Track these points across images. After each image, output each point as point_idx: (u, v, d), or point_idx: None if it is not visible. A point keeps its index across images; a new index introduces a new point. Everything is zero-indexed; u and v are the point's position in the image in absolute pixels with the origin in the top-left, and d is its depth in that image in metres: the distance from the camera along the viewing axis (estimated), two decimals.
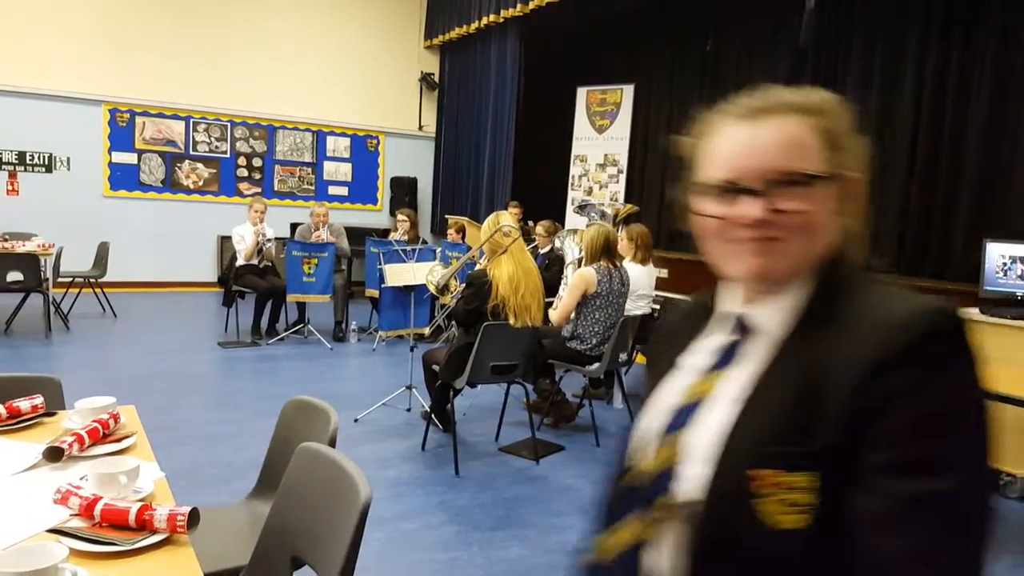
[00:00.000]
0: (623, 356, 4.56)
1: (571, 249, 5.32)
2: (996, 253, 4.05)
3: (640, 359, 5.25)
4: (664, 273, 6.79)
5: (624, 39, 8.47)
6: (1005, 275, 4.02)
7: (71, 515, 1.34)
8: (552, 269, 5.86)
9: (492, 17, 8.39)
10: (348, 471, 1.44)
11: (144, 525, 1.30)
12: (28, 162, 8.17)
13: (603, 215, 5.73)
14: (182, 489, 1.60)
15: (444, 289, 3.97)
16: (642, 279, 4.87)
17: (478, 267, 3.90)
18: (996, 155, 5.02)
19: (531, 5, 7.60)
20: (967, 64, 5.20)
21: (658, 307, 5.09)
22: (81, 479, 1.47)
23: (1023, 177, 4.87)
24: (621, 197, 8.10)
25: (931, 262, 5.35)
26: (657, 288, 5.23)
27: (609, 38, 8.60)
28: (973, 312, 3.94)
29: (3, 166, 8.02)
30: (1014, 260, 3.99)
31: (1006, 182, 4.98)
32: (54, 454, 1.59)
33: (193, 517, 1.31)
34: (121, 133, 8.65)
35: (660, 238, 7.43)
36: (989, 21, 5.05)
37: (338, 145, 10.00)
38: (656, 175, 8.04)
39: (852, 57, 6.02)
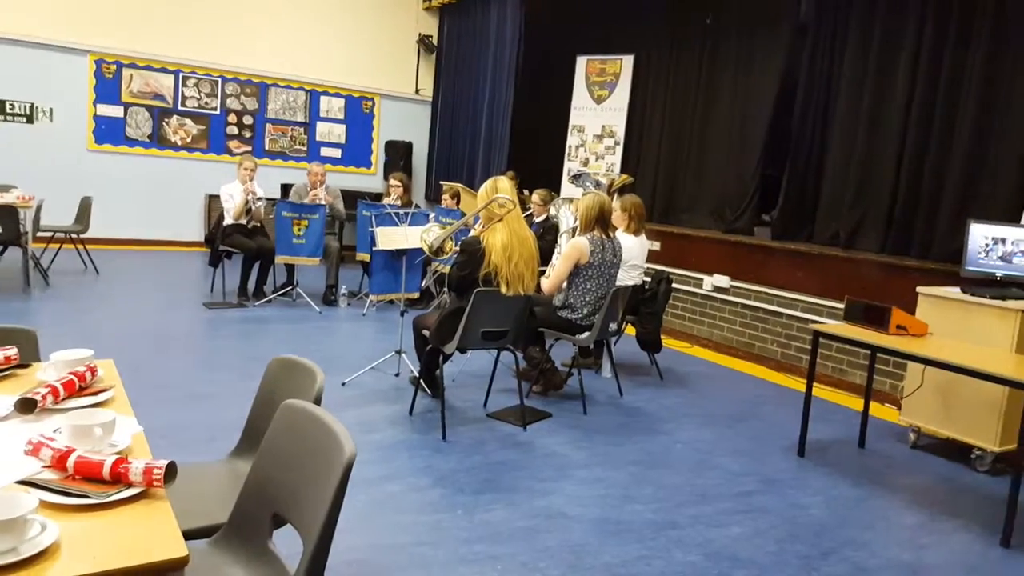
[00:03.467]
0: (613, 326, 4.53)
1: (566, 218, 5.25)
2: (980, 234, 4.06)
3: (630, 330, 5.22)
4: (656, 246, 6.74)
5: (625, 9, 8.29)
6: (987, 255, 4.03)
7: (43, 467, 1.29)
8: (547, 238, 5.79)
9: None
10: (332, 428, 1.40)
11: (119, 478, 1.25)
12: (8, 111, 7.95)
13: (597, 185, 5.65)
14: (163, 449, 1.55)
15: (439, 251, 3.89)
16: (634, 250, 4.82)
17: (472, 233, 3.83)
18: (985, 138, 5.02)
19: None
20: (961, 45, 5.15)
21: (649, 279, 5.05)
22: (54, 431, 1.42)
23: (1009, 160, 4.87)
24: (617, 169, 8.01)
25: (917, 242, 5.38)
26: (648, 261, 5.19)
27: (610, 7, 8.41)
28: (954, 291, 3.94)
29: None
30: (996, 241, 4.00)
31: (993, 165, 4.98)
32: (26, 405, 1.53)
33: (170, 471, 1.27)
34: (107, 85, 8.43)
35: (654, 211, 7.36)
36: (986, 3, 4.99)
37: (332, 105, 9.81)
38: (653, 148, 7.93)
39: (851, 33, 5.92)
